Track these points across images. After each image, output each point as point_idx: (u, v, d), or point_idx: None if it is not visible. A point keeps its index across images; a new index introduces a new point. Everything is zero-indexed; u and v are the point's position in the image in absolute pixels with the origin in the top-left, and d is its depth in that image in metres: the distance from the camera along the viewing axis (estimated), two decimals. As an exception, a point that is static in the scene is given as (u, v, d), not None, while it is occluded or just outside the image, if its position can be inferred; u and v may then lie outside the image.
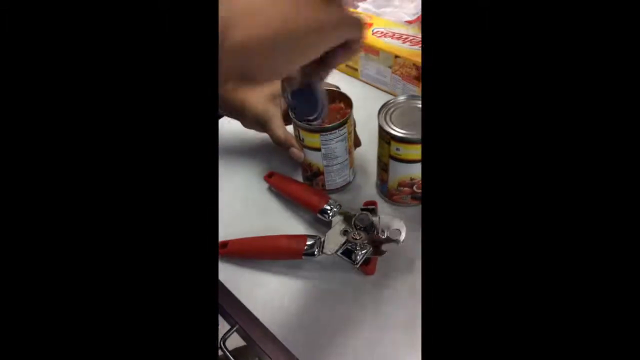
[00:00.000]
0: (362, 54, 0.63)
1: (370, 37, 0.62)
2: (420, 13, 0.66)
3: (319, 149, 0.45)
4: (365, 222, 0.41)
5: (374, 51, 0.61)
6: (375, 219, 0.42)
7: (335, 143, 0.44)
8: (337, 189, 0.51)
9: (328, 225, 0.44)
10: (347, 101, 0.46)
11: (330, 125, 0.42)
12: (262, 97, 0.48)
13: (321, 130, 0.42)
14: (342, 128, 0.43)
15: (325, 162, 0.46)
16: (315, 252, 0.41)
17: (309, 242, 0.42)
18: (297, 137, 0.46)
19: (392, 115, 0.42)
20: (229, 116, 0.53)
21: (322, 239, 0.42)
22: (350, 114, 0.44)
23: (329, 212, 0.44)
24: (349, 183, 0.51)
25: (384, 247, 0.40)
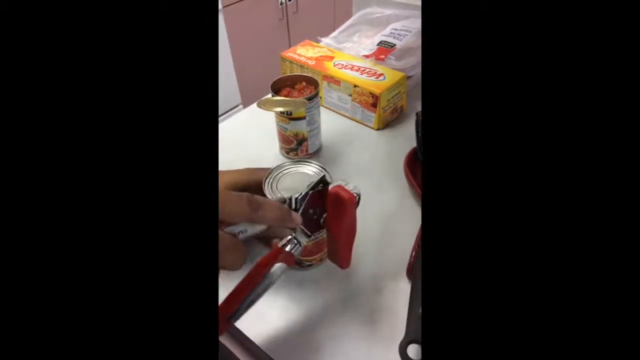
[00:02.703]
0: (325, 83, 0.70)
1: (332, 69, 0.69)
2: (375, 49, 0.74)
3: (304, 117, 0.58)
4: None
5: (335, 81, 0.68)
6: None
7: (314, 110, 0.59)
8: (316, 151, 0.64)
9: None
10: (309, 81, 0.61)
11: (310, 94, 0.57)
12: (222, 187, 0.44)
13: (307, 99, 0.56)
14: (317, 97, 0.58)
15: (308, 128, 0.60)
16: (295, 247, 0.38)
17: (288, 247, 0.38)
18: (284, 113, 0.58)
19: (278, 183, 0.44)
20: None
21: (294, 235, 0.39)
22: (318, 88, 0.58)
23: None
24: (321, 146, 0.65)
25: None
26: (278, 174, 0.45)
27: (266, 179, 0.44)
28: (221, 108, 1.70)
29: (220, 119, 1.33)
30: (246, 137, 0.69)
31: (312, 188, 0.38)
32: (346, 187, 0.38)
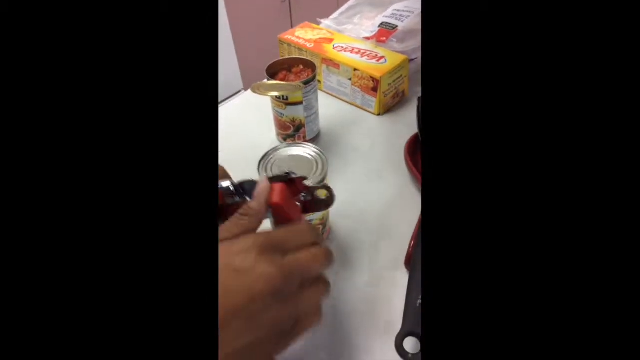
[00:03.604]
0: (324, 67, 0.68)
1: (331, 52, 0.67)
2: (376, 31, 0.72)
3: (301, 102, 0.56)
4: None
5: (334, 64, 0.66)
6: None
7: (311, 95, 0.56)
8: (314, 138, 0.62)
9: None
10: (307, 64, 0.58)
11: (307, 78, 0.54)
12: None
13: (304, 83, 0.54)
14: (314, 81, 0.56)
15: (306, 114, 0.58)
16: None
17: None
18: (280, 98, 0.55)
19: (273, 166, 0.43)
20: None
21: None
22: (315, 72, 0.56)
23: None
24: (319, 132, 0.63)
25: None
26: (272, 156, 0.43)
27: (261, 160, 0.43)
28: (222, 94, 1.68)
29: (220, 105, 1.31)
30: (243, 123, 0.68)
31: (270, 179, 0.34)
32: (305, 183, 0.35)
